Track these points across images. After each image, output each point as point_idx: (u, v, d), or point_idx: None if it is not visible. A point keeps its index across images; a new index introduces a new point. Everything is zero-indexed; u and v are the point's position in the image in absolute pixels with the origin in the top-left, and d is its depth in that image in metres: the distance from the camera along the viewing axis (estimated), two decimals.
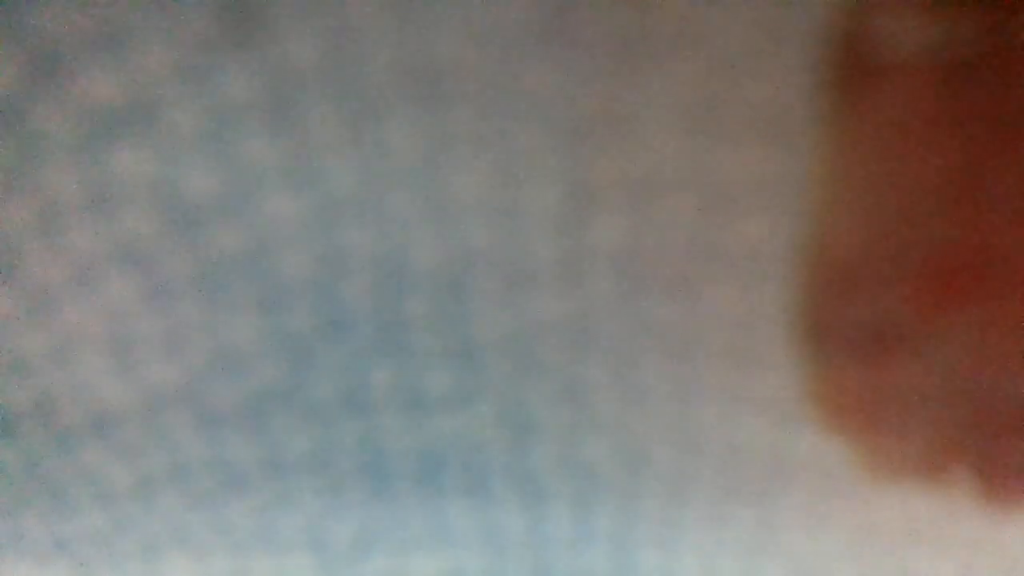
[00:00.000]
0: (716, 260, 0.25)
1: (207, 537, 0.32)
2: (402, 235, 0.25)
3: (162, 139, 0.23)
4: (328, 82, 0.22)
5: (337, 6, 0.21)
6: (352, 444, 0.29)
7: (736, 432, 0.28)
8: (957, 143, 0.23)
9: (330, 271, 0.25)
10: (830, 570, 0.33)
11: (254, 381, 0.27)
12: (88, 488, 0.30)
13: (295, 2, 0.21)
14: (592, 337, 0.27)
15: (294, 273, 0.25)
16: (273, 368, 0.27)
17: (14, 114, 0.23)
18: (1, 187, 0.24)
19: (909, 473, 0.29)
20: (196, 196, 0.24)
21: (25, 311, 0.26)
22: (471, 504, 0.31)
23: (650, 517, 0.31)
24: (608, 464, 0.30)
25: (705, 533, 0.32)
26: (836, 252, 0.25)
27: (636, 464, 0.30)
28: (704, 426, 0.28)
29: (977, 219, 0.24)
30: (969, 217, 0.24)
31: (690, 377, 0.27)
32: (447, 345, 0.27)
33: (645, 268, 0.25)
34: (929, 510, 0.30)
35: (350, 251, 0.25)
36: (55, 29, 0.22)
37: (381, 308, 0.26)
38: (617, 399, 0.28)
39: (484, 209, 0.24)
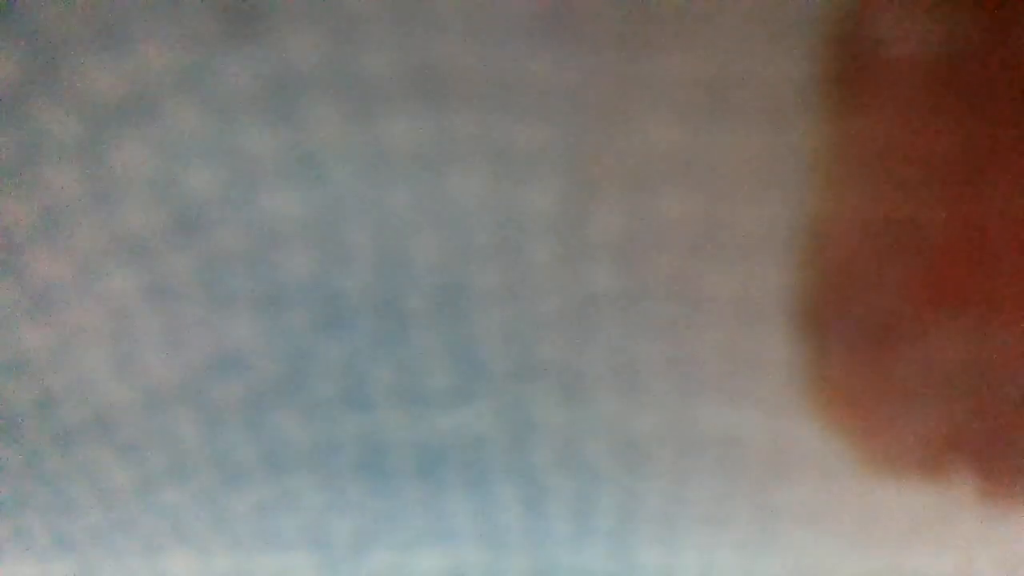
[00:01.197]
0: (715, 253, 0.25)
1: (208, 534, 0.32)
2: (403, 231, 0.25)
3: (163, 135, 0.23)
4: (330, 79, 0.22)
5: (339, 2, 0.21)
6: (353, 441, 0.29)
7: (736, 427, 0.28)
8: (960, 136, 0.23)
9: (330, 267, 0.25)
10: (830, 565, 0.32)
11: (254, 378, 0.27)
12: (89, 486, 0.30)
13: None
14: (592, 333, 0.27)
15: (294, 269, 0.25)
16: (273, 365, 0.27)
17: (14, 110, 0.23)
18: (1, 184, 0.24)
19: (909, 468, 0.29)
20: (197, 193, 0.24)
21: (25, 308, 0.26)
22: (472, 500, 0.31)
23: (650, 513, 0.31)
24: (608, 461, 0.30)
25: (705, 529, 0.32)
26: (836, 244, 0.25)
27: (636, 460, 0.30)
28: (703, 421, 0.28)
29: (980, 212, 0.24)
30: (971, 210, 0.24)
31: (689, 372, 0.27)
32: (447, 341, 0.27)
33: (644, 263, 0.25)
34: (929, 505, 0.30)
35: (350, 247, 0.25)
36: (55, 24, 0.22)
37: (381, 304, 0.26)
38: (617, 395, 0.28)
39: (485, 205, 0.24)
